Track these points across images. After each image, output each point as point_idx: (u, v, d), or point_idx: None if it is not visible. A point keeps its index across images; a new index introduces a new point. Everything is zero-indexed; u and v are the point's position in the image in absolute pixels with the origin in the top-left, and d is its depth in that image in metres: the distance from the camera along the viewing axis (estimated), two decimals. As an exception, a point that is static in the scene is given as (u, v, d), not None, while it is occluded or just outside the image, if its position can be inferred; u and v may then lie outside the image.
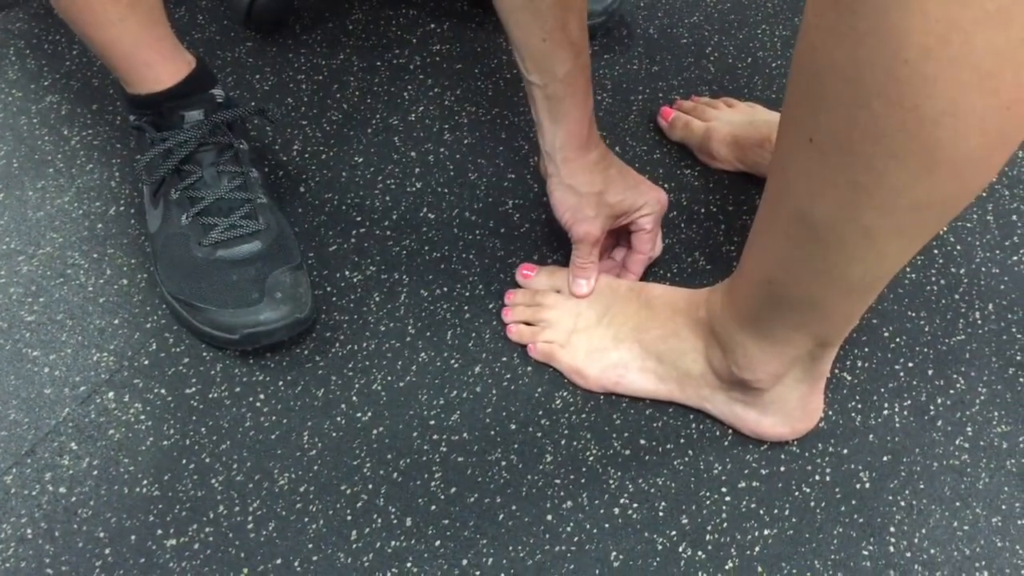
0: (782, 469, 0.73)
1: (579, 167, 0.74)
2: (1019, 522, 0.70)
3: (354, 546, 0.69)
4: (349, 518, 0.70)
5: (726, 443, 0.74)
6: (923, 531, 0.70)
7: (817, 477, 0.73)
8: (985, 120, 0.40)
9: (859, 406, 0.76)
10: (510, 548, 0.69)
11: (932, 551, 0.69)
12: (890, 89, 0.40)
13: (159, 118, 0.78)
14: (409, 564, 0.68)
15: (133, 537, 0.69)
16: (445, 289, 0.83)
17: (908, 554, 0.69)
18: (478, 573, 0.68)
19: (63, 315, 0.80)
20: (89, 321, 0.80)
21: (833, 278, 0.54)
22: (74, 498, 0.71)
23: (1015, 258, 0.86)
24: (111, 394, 0.76)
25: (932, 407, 0.77)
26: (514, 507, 0.71)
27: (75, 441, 0.73)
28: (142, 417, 0.75)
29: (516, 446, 0.74)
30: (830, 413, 0.76)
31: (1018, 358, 0.79)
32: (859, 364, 0.79)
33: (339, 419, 0.75)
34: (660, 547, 0.69)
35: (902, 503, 0.71)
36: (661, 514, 0.71)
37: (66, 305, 0.81)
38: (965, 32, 0.37)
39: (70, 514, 0.70)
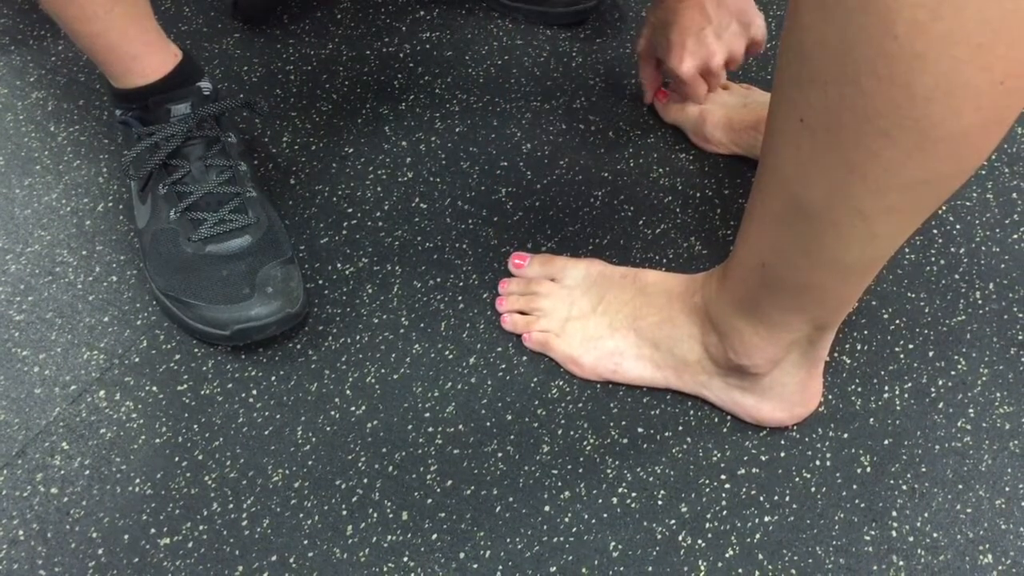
0: (782, 455, 0.72)
1: None
2: (1023, 504, 0.70)
3: (350, 541, 0.68)
4: (344, 513, 0.69)
5: (725, 430, 0.73)
6: (926, 515, 0.69)
7: (817, 462, 0.72)
8: (979, 96, 0.39)
9: (859, 389, 0.75)
10: (507, 540, 0.68)
11: (935, 535, 0.68)
12: (880, 66, 0.39)
13: (145, 112, 0.77)
14: (406, 558, 0.67)
15: (126, 536, 0.68)
16: (438, 279, 0.82)
17: (911, 538, 0.68)
18: (475, 566, 0.67)
19: (52, 313, 0.80)
20: (79, 319, 0.79)
21: (827, 261, 0.53)
22: (66, 498, 0.70)
23: (1015, 236, 0.85)
24: (102, 393, 0.75)
25: (933, 389, 0.76)
26: (511, 499, 0.70)
27: (66, 441, 0.73)
28: (134, 415, 0.74)
29: (512, 437, 0.73)
30: (829, 397, 0.75)
31: (1020, 338, 0.78)
32: (858, 347, 0.78)
33: (333, 413, 0.74)
34: (659, 536, 0.68)
35: (904, 487, 0.71)
36: (660, 503, 0.70)
37: (55, 303, 0.80)
38: (956, 5, 0.36)
39: (62, 515, 0.69)
